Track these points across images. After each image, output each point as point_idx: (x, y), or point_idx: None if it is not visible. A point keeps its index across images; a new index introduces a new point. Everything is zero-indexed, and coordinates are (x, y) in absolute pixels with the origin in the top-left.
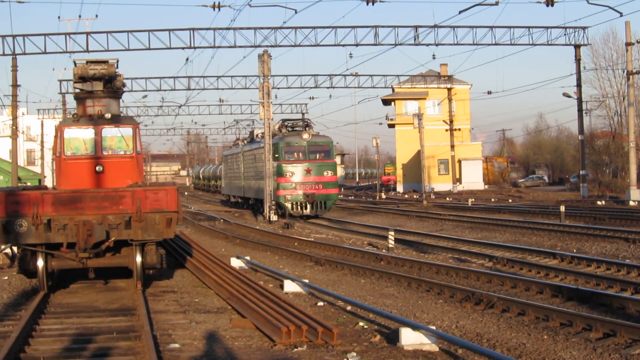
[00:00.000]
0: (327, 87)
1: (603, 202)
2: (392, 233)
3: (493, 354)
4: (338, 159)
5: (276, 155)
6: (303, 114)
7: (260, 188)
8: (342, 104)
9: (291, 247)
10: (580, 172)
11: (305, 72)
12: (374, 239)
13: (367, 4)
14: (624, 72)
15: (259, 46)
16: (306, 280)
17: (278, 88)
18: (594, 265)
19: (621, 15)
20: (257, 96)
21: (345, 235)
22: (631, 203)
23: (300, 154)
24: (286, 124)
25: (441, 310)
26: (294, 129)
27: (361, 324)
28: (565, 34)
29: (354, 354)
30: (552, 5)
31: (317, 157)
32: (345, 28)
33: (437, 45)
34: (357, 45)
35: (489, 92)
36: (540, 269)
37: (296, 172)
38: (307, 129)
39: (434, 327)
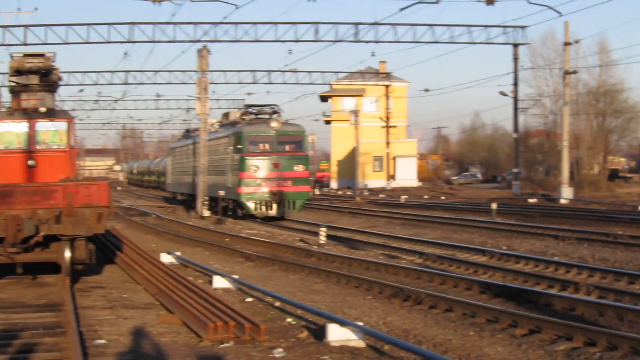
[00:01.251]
0: (265, 83)
1: (535, 200)
2: (324, 229)
3: (419, 350)
4: None
5: (238, 147)
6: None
7: (216, 184)
8: (280, 100)
9: (222, 242)
10: (514, 170)
11: (244, 68)
12: (306, 235)
13: (308, 0)
14: (560, 71)
15: (199, 41)
16: (236, 276)
17: (216, 83)
18: (523, 262)
19: (560, 15)
20: (194, 91)
21: (277, 231)
22: (562, 201)
23: (267, 145)
24: (250, 110)
25: (369, 307)
26: (259, 116)
27: (289, 319)
28: (504, 33)
29: (281, 349)
30: (492, 4)
31: (287, 148)
32: (285, 24)
33: (377, 42)
34: (297, 41)
35: (426, 90)
36: (469, 266)
37: (262, 167)
38: (274, 115)
39: (361, 323)
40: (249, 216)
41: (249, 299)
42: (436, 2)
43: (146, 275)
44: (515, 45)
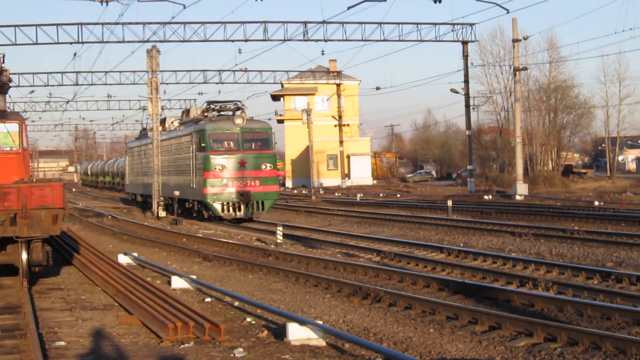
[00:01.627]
0: (216, 83)
1: (490, 196)
2: (280, 228)
3: (380, 348)
4: None
5: (202, 145)
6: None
7: (179, 184)
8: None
9: (179, 243)
10: (468, 167)
11: (194, 68)
12: (263, 234)
13: None
14: (510, 68)
15: (148, 41)
16: (194, 277)
17: (167, 83)
18: (480, 258)
19: (508, 12)
20: (146, 92)
21: (233, 231)
22: (517, 197)
23: (232, 143)
24: (213, 106)
25: (329, 305)
26: (221, 112)
27: (249, 319)
28: (453, 31)
29: (241, 349)
30: (440, 2)
31: (253, 146)
32: (234, 23)
33: (326, 41)
34: (246, 40)
35: (378, 88)
36: (427, 263)
37: (227, 166)
38: (238, 112)
39: (321, 322)
40: (216, 218)
41: (208, 299)
42: (384, 0)
43: (104, 276)
44: (464, 43)
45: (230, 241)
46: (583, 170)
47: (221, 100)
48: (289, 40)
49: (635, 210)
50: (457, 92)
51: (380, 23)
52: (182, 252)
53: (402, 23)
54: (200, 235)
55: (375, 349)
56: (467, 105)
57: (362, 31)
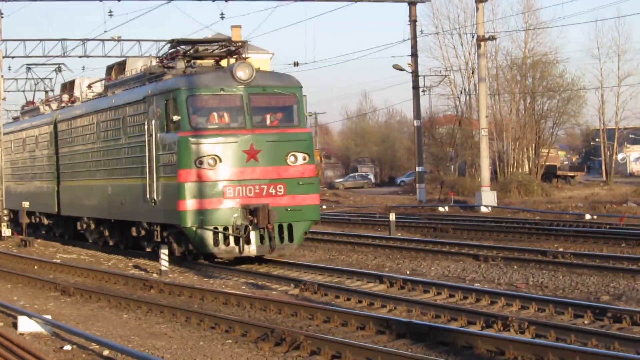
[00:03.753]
0: (80, 56)
1: (446, 208)
2: (166, 252)
3: None
4: None
5: (173, 118)
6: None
7: (111, 195)
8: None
9: (30, 272)
10: (417, 170)
11: (50, 36)
12: (142, 259)
13: None
14: (473, 37)
15: None
16: (49, 317)
17: (12, 57)
18: (433, 290)
19: None
20: None
21: (102, 255)
22: (483, 209)
23: (232, 114)
24: (185, 49)
25: (230, 354)
26: (192, 64)
27: None
28: None
29: None
30: None
31: (270, 121)
32: None
33: (226, 0)
34: (119, 0)
35: (296, 64)
36: (362, 297)
37: (224, 158)
38: (237, 58)
39: None
40: (204, 256)
41: (68, 347)
42: None
43: None
44: (412, 3)
45: (99, 269)
46: (570, 173)
47: (198, 39)
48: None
49: (639, 226)
50: (402, 70)
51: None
52: (34, 283)
53: None
54: (58, 260)
55: None
56: (416, 87)
57: None
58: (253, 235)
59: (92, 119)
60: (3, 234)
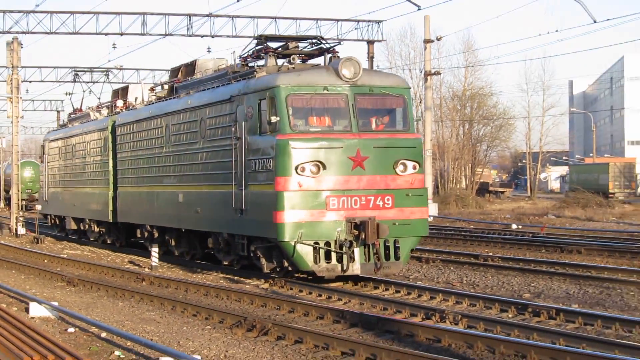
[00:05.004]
0: (87, 82)
1: None
2: (156, 250)
3: None
4: None
5: (272, 120)
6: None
7: (183, 204)
8: (105, 100)
9: (40, 264)
10: None
11: (62, 64)
12: (136, 256)
13: None
14: (421, 72)
15: (9, 32)
16: (55, 303)
17: (30, 81)
18: (382, 287)
19: (419, 9)
20: (5, 90)
21: (103, 252)
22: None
23: (336, 116)
24: (267, 44)
25: (209, 338)
26: (291, 60)
27: (117, 352)
28: (357, 28)
29: None
30: None
31: (375, 124)
32: (108, 14)
33: (212, 36)
34: (121, 34)
35: None
36: (322, 291)
37: (328, 164)
38: (331, 57)
39: (199, 357)
40: (304, 275)
41: (72, 329)
42: None
43: None
44: (370, 42)
45: (99, 263)
46: (500, 189)
47: (288, 35)
48: (171, 35)
49: (556, 235)
50: None
51: (275, 18)
52: (44, 275)
53: (300, 18)
54: (65, 256)
55: None
56: None
57: (255, 26)
58: (357, 252)
59: (160, 122)
60: (19, 232)
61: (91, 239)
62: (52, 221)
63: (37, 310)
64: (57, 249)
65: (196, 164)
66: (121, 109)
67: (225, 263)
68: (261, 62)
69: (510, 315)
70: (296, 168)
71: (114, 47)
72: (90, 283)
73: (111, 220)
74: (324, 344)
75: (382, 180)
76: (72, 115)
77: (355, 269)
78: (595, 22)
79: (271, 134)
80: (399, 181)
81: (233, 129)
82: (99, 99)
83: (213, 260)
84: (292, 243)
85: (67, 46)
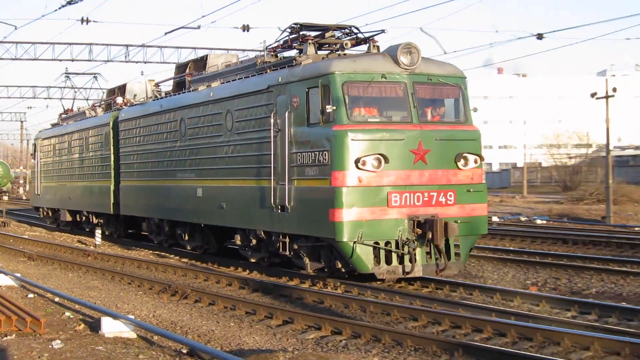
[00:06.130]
0: (45, 98)
1: None
2: (99, 231)
3: (184, 340)
4: None
5: (327, 109)
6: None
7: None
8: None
9: (6, 243)
10: None
11: (25, 84)
12: (84, 237)
13: (82, 23)
14: None
15: None
16: (18, 274)
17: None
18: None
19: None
20: None
21: (57, 233)
22: None
23: (393, 105)
24: (299, 34)
25: (140, 301)
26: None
27: (67, 314)
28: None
29: (59, 341)
30: (248, 30)
31: (432, 115)
32: (62, 44)
33: (145, 62)
34: (72, 60)
35: None
36: (231, 264)
37: (390, 157)
38: (370, 46)
39: (132, 317)
40: (358, 277)
41: (31, 295)
42: (197, 28)
43: None
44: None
45: (54, 242)
46: None
47: (324, 25)
48: (111, 61)
49: None
50: None
51: (194, 48)
52: (9, 252)
53: (214, 48)
54: (26, 236)
55: (181, 341)
56: None
57: (178, 55)
58: (419, 251)
59: (173, 116)
60: None
61: (87, 230)
62: (45, 213)
63: (3, 280)
64: (20, 231)
65: (220, 157)
66: (121, 105)
67: (253, 260)
68: (288, 53)
69: (378, 283)
70: (356, 162)
71: (67, 73)
72: (46, 258)
73: (112, 213)
74: (231, 305)
75: (444, 175)
76: (64, 115)
77: (417, 270)
78: (445, 53)
79: (324, 125)
80: (459, 176)
81: (272, 120)
82: (87, 100)
83: (230, 255)
84: (351, 243)
85: (29, 70)
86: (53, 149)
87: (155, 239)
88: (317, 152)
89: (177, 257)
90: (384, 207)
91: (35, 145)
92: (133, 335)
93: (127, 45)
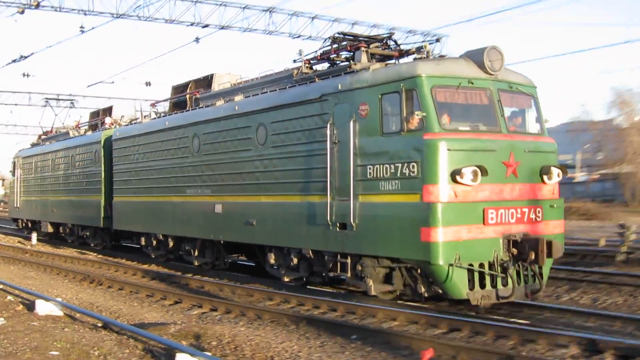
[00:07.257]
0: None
1: None
2: (35, 234)
3: (99, 316)
4: None
5: (416, 115)
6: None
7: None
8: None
9: None
10: None
11: None
12: (22, 238)
13: (24, 77)
14: None
15: None
16: None
17: None
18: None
19: None
20: None
21: (1, 235)
22: None
23: (479, 113)
24: (344, 44)
25: (66, 287)
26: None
27: (9, 297)
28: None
29: (2, 318)
30: (150, 85)
31: (515, 125)
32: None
33: (69, 108)
34: (16, 105)
35: None
36: (138, 259)
37: (490, 167)
38: (425, 53)
39: (60, 299)
40: (449, 300)
41: None
42: (112, 83)
43: None
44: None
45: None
46: None
47: (364, 35)
48: (46, 106)
49: None
50: None
51: (109, 98)
52: None
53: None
54: None
55: (97, 317)
56: None
57: (97, 102)
58: (512, 272)
59: (184, 132)
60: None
61: (69, 241)
62: (24, 224)
63: None
64: None
65: (248, 172)
66: (110, 125)
67: (286, 280)
68: (320, 66)
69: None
70: (452, 174)
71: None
72: None
73: (102, 226)
74: (136, 290)
75: (532, 189)
76: (44, 137)
77: (508, 293)
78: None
79: (409, 134)
80: (544, 191)
81: (329, 131)
82: (63, 123)
83: (234, 269)
84: (447, 267)
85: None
86: (34, 166)
87: (153, 254)
88: (400, 164)
89: (95, 254)
90: (480, 225)
91: (14, 162)
92: (60, 313)
93: (50, 99)
